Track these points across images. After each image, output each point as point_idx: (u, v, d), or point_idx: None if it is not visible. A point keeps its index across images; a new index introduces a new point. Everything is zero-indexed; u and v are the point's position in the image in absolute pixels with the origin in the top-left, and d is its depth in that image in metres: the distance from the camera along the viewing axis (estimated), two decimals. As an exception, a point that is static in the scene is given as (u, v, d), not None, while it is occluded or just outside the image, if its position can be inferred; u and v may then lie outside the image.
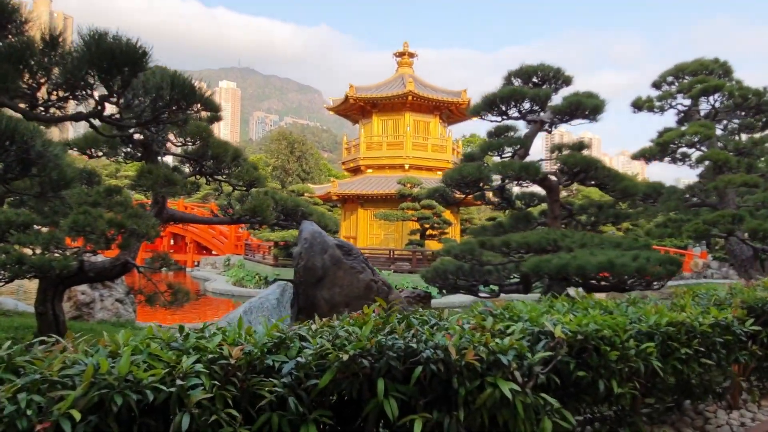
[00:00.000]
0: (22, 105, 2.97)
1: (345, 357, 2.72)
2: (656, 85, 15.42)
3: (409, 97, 32.66)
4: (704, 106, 14.47)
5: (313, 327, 3.12)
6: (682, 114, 14.95)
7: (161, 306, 7.90)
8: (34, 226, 7.41)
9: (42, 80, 2.61)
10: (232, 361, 2.56)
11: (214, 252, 37.84)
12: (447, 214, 31.09)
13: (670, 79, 15.09)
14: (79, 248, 7.70)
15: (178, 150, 8.75)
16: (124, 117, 3.10)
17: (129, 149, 8.60)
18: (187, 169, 9.00)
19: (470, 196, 11.69)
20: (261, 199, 8.72)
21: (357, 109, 35.18)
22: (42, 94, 3.19)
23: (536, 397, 3.10)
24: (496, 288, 12.16)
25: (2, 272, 7.51)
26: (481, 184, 9.77)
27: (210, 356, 2.60)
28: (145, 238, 7.17)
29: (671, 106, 14.91)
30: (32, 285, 7.87)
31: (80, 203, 6.81)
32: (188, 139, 8.07)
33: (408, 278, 25.86)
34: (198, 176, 9.30)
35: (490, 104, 9.68)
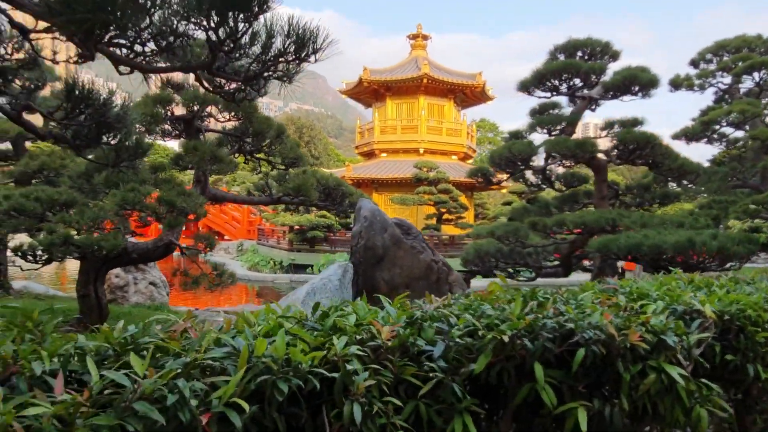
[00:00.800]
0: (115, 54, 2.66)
1: (505, 338, 2.39)
2: (694, 63, 14.93)
3: (424, 80, 32.15)
4: (745, 84, 14.01)
5: (453, 306, 2.79)
6: (721, 93, 14.49)
7: (206, 288, 7.60)
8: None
9: (144, 25, 2.31)
10: (389, 344, 2.23)
11: (226, 237, 37.61)
12: (462, 199, 30.74)
13: (709, 56, 14.59)
14: (119, 228, 7.40)
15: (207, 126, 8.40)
16: (227, 70, 2.78)
17: (167, 126, 8.25)
18: (227, 147, 8.65)
19: (501, 177, 11.36)
20: (304, 177, 8.36)
21: (370, 92, 34.68)
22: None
23: (697, 383, 2.78)
24: (530, 272, 11.83)
25: (43, 253, 7.22)
26: (528, 163, 9.39)
27: (358, 337, 2.28)
28: (193, 217, 6.84)
29: (711, 85, 14.44)
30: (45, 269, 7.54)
31: (127, 180, 6.47)
32: (233, 114, 7.71)
33: (426, 263, 25.48)
34: (236, 155, 8.95)
35: (540, 79, 9.26)
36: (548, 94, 9.71)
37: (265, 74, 2.79)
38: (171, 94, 7.56)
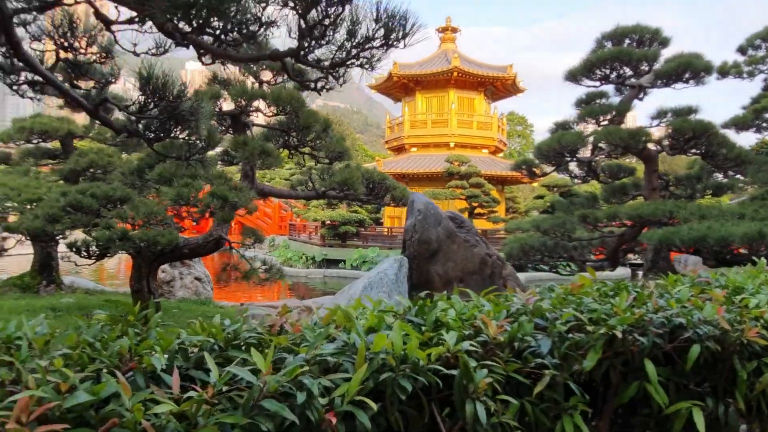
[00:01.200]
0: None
1: (618, 333, 2.26)
2: (742, 50, 14.39)
3: (455, 73, 31.83)
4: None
5: (544, 300, 2.67)
6: (772, 80, 13.94)
7: (256, 283, 7.61)
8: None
9: (233, 12, 2.26)
10: (500, 339, 2.13)
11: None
12: (494, 193, 30.40)
13: (758, 42, 14.05)
14: (170, 224, 7.45)
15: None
16: (310, 59, 2.71)
17: (213, 122, 8.27)
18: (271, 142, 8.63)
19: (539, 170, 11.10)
20: (350, 171, 8.30)
21: (400, 86, 34.50)
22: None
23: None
24: (573, 265, 11.58)
25: (98, 249, 7.31)
26: (575, 155, 9.15)
27: (465, 333, 2.18)
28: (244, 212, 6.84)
29: (760, 71, 13.90)
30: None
31: (180, 175, 6.50)
32: (280, 108, 7.68)
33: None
34: (281, 149, 8.93)
35: (590, 67, 9.01)
36: (597, 84, 9.45)
37: (349, 62, 2.71)
38: (219, 89, 7.58)
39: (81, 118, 11.88)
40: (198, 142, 4.52)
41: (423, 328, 2.20)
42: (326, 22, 2.44)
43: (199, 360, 1.90)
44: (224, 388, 1.70)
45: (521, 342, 2.25)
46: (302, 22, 2.40)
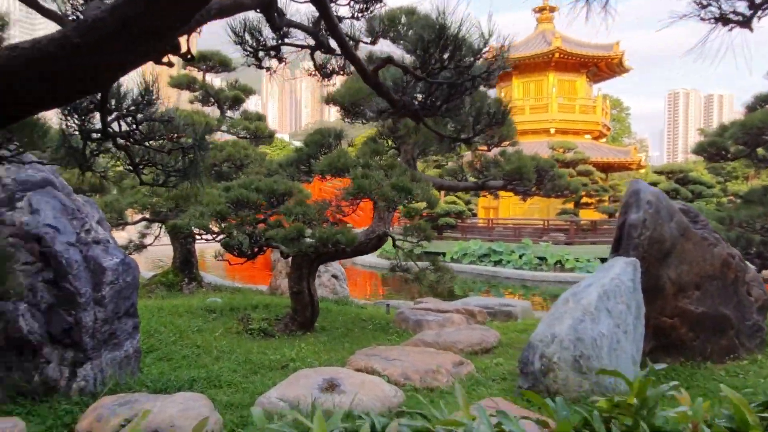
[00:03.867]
0: None
1: None
2: None
3: (556, 55, 29.95)
4: None
5: None
6: None
7: (426, 286, 6.85)
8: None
9: None
10: None
11: (349, 225, 37.83)
12: (601, 181, 28.44)
13: None
14: (329, 221, 6.83)
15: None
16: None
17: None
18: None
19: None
20: (522, 159, 7.34)
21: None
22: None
23: None
24: None
25: (252, 246, 6.81)
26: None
27: None
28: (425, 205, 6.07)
29: None
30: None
31: (355, 165, 5.81)
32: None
33: (566, 250, 23.57)
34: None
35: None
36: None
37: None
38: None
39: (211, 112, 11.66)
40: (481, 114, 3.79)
41: None
42: None
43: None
44: None
45: None
46: None
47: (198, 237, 8.08)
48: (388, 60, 2.64)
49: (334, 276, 10.15)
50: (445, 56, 2.52)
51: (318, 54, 3.00)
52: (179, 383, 4.58)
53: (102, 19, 1.59)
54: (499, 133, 7.74)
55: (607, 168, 31.79)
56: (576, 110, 31.64)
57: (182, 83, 11.21)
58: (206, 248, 18.50)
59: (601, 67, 32.28)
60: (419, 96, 2.90)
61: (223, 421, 3.74)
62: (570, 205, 27.55)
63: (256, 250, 6.99)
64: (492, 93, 34.24)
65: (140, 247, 10.28)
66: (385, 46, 4.51)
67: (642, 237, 5.13)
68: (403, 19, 6.95)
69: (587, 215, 28.25)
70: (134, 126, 2.77)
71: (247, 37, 2.79)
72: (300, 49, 2.80)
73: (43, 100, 1.70)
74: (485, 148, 8.07)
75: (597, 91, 33.61)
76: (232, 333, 6.63)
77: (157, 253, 18.56)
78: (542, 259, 23.21)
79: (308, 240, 5.79)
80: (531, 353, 4.49)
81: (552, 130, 31.17)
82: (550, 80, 31.53)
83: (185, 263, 9.96)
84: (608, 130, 34.63)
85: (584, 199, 27.36)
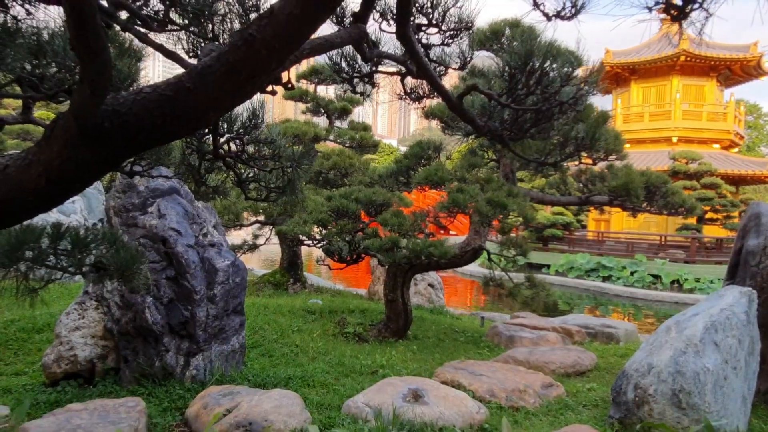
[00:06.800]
0: None
1: None
2: None
3: (681, 58, 27.77)
4: None
5: None
6: None
7: (520, 302, 6.74)
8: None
9: None
10: None
11: (452, 232, 37.74)
12: (730, 195, 25.89)
13: None
14: (424, 233, 6.92)
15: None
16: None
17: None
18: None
19: None
20: (630, 174, 6.98)
21: (611, 77, 31.29)
22: None
23: None
24: None
25: (352, 254, 7.08)
26: None
27: None
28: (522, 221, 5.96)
29: None
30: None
31: (451, 179, 5.87)
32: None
33: (685, 269, 21.73)
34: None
35: None
36: None
37: None
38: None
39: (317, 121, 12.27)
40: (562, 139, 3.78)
41: None
42: None
43: None
44: None
45: None
46: None
47: (302, 242, 8.54)
48: (473, 87, 2.70)
49: (431, 285, 10.24)
50: (531, 82, 2.54)
51: (409, 78, 3.15)
52: (277, 380, 4.93)
53: (210, 65, 1.85)
54: (605, 147, 7.44)
55: (738, 181, 28.91)
56: (703, 117, 29.11)
57: (295, 95, 11.93)
58: (314, 250, 19.52)
59: (735, 70, 29.43)
60: (506, 118, 2.93)
61: (312, 420, 3.98)
62: (692, 220, 25.36)
63: (354, 256, 7.32)
64: (607, 100, 32.47)
65: (253, 246, 11.09)
66: (478, 61, 4.54)
67: (761, 266, 4.70)
68: (507, 32, 6.92)
69: (712, 232, 25.88)
70: (242, 147, 3.08)
71: (344, 64, 3.00)
72: (391, 74, 2.96)
73: (165, 135, 1.99)
74: (590, 161, 7.78)
75: (729, 96, 30.62)
76: (328, 335, 6.97)
77: (269, 252, 19.80)
78: (656, 277, 21.63)
79: (403, 251, 5.95)
80: (624, 382, 4.30)
81: (674, 139, 28.94)
82: (674, 85, 29.31)
83: (291, 265, 10.60)
84: (741, 139, 31.47)
85: (709, 215, 25.07)
